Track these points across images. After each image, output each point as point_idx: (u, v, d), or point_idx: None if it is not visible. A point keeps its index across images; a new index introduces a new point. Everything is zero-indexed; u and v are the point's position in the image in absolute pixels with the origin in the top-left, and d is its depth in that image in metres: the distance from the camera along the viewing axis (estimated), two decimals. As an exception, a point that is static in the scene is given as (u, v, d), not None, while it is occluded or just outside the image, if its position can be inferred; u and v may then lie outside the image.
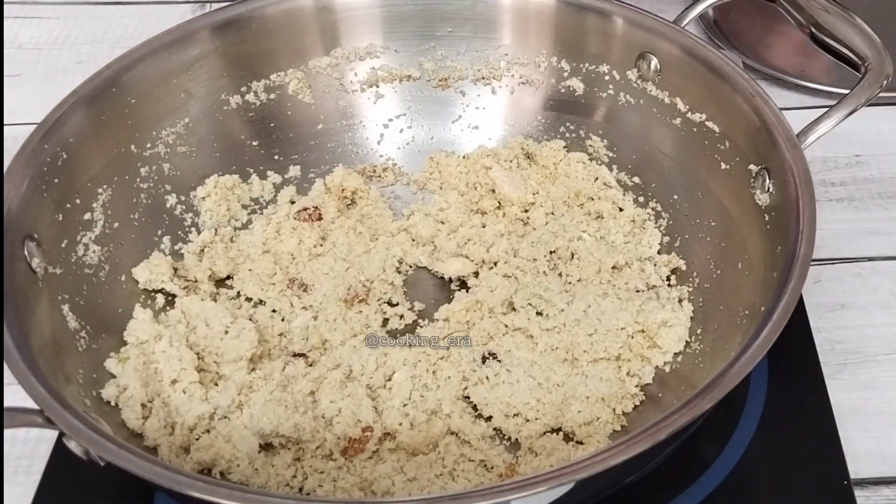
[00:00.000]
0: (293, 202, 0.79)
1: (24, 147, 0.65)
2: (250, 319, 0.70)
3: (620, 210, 0.78)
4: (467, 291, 0.73)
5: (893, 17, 0.98)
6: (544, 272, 0.73)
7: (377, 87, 0.83)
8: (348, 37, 0.81)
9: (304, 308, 0.73)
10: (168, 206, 0.76)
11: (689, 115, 0.74)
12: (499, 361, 0.68)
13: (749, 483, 0.63)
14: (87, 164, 0.70)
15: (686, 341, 0.68)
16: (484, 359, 0.68)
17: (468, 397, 0.66)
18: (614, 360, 0.68)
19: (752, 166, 0.67)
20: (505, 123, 0.83)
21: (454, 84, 0.83)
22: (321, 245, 0.76)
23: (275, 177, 0.81)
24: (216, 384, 0.67)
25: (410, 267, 0.77)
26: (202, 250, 0.75)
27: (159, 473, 0.49)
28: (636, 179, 0.79)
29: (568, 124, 0.81)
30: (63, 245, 0.66)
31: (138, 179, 0.74)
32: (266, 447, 0.64)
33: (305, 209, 0.77)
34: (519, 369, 0.67)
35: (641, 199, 0.78)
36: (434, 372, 0.68)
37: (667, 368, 0.68)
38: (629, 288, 0.72)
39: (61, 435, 0.52)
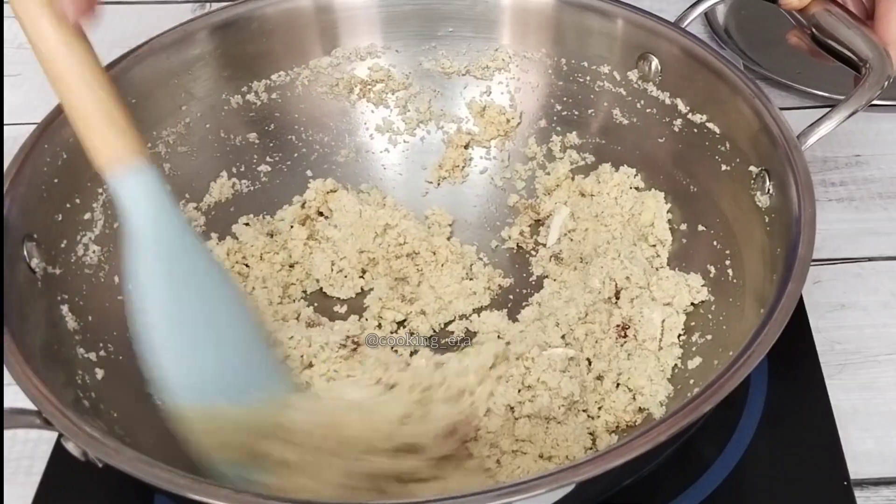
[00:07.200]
0: (293, 203, 0.79)
1: (24, 147, 0.65)
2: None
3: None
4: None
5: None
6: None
7: (378, 86, 0.83)
8: (348, 37, 0.80)
9: (304, 308, 0.73)
10: (168, 206, 0.75)
11: (689, 116, 0.74)
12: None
13: (749, 483, 0.63)
14: (87, 164, 0.68)
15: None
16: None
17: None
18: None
19: (752, 168, 0.67)
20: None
21: (455, 84, 0.83)
22: (319, 245, 0.76)
23: (275, 177, 0.81)
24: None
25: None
26: (202, 250, 0.75)
27: (156, 475, 0.48)
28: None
29: (569, 124, 0.81)
30: (63, 245, 0.66)
31: (138, 180, 0.73)
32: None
33: (305, 210, 0.77)
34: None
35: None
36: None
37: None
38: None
39: (61, 435, 0.52)
